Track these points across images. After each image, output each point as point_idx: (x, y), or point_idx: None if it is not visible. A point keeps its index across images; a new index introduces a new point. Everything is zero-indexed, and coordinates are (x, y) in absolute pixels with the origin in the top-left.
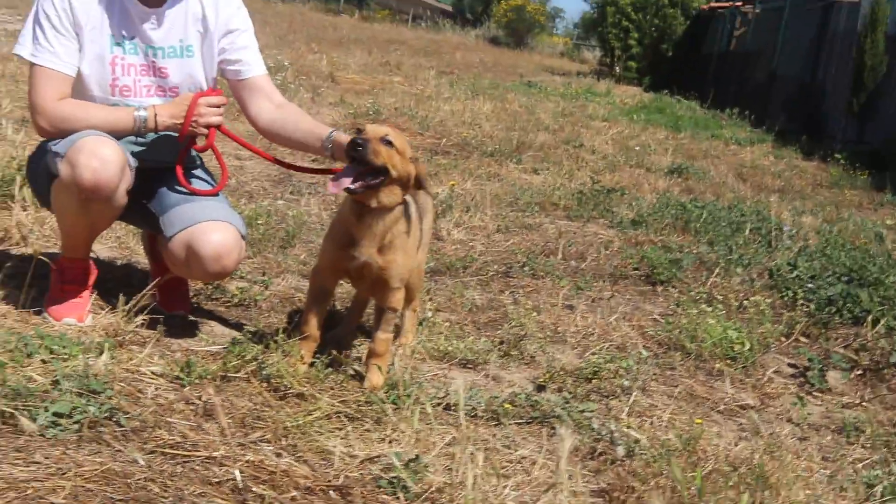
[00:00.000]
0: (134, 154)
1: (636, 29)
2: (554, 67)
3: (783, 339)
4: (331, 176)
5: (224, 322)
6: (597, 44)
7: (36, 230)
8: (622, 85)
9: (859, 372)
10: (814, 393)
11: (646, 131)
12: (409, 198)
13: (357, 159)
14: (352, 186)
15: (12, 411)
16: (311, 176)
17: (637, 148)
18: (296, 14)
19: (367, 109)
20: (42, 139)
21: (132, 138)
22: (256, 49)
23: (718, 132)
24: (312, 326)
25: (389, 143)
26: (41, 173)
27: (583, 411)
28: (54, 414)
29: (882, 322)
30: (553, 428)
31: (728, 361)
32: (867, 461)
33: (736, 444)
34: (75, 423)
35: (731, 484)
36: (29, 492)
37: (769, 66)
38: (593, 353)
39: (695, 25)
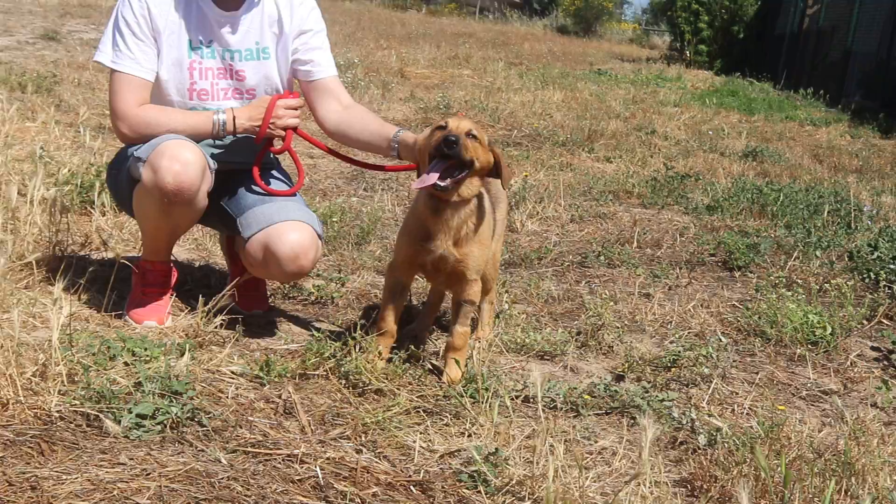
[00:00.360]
0: (213, 157)
1: (706, 12)
2: (623, 54)
3: (865, 322)
4: (413, 174)
5: (302, 320)
6: (666, 28)
7: (116, 234)
8: (693, 69)
9: None
10: None
11: (718, 115)
12: (482, 188)
13: (451, 156)
14: (442, 183)
15: (97, 413)
16: (384, 172)
17: (710, 132)
18: (363, 11)
19: (437, 104)
20: (121, 146)
21: (211, 141)
22: (328, 50)
23: (793, 113)
24: (390, 322)
25: (474, 137)
26: (122, 179)
27: (663, 400)
28: (137, 415)
29: None
30: (633, 418)
31: (809, 346)
32: None
33: (820, 431)
34: (158, 423)
35: (816, 471)
36: (115, 493)
37: (844, 43)
38: (672, 342)
39: (766, 5)
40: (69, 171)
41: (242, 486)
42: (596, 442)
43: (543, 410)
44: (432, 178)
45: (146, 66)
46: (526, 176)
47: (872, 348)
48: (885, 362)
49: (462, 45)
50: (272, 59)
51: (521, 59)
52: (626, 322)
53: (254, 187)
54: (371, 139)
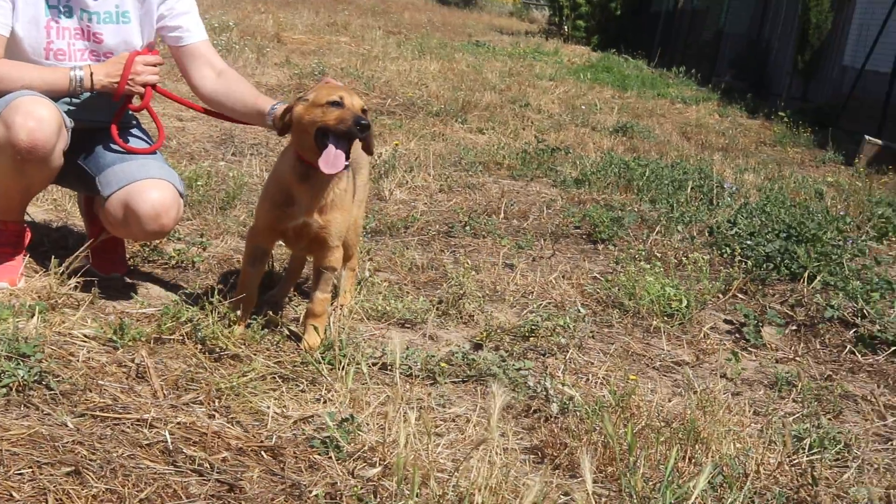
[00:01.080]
0: (69, 114)
1: None
2: (503, 27)
3: (720, 295)
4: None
5: (161, 284)
6: (546, 3)
7: None
8: (570, 44)
9: (794, 327)
10: (749, 349)
11: (592, 90)
12: None
13: (361, 139)
14: (348, 163)
15: None
16: (254, 136)
17: (583, 107)
18: None
19: (312, 70)
20: None
21: (68, 99)
22: (196, 14)
23: (665, 91)
24: (249, 287)
25: (365, 113)
26: None
27: (519, 369)
28: None
29: (818, 278)
30: (489, 386)
31: (665, 318)
32: (798, 415)
33: (669, 400)
34: (3, 386)
35: (662, 439)
36: None
37: (716, 24)
38: (531, 312)
39: None
40: None
41: (88, 451)
42: (450, 409)
43: (400, 378)
44: (341, 159)
45: (1, 21)
46: (397, 145)
47: (725, 321)
48: (737, 335)
49: (341, 12)
50: (133, 24)
51: (401, 29)
52: (487, 292)
53: (113, 146)
54: (246, 111)
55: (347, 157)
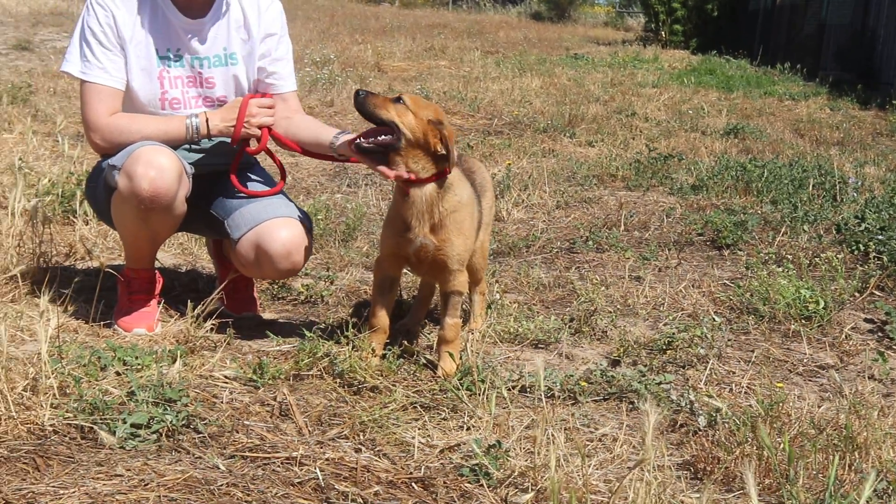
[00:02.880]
0: (190, 161)
1: None
2: (599, 38)
3: (857, 294)
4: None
5: (292, 321)
6: (640, 10)
7: (100, 243)
8: (669, 49)
9: None
10: (894, 347)
11: (697, 94)
12: (461, 177)
13: (358, 111)
14: (363, 142)
15: (91, 425)
16: (367, 167)
17: (690, 112)
18: (336, 7)
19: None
20: (98, 159)
21: (187, 146)
22: (291, 61)
23: (771, 89)
24: (381, 318)
25: (399, 100)
26: (100, 190)
27: (660, 383)
28: (132, 425)
29: None
30: (632, 403)
31: (803, 321)
32: None
33: (819, 406)
34: (154, 432)
35: (818, 447)
36: None
37: (818, 16)
38: (665, 324)
39: None
40: (49, 181)
41: (243, 492)
42: (596, 429)
43: (541, 399)
44: (350, 136)
45: (115, 75)
46: (509, 164)
47: (866, 320)
48: (880, 333)
49: (437, 36)
50: (240, 64)
51: (497, 48)
52: (618, 306)
53: (236, 193)
54: (315, 142)
55: (366, 142)
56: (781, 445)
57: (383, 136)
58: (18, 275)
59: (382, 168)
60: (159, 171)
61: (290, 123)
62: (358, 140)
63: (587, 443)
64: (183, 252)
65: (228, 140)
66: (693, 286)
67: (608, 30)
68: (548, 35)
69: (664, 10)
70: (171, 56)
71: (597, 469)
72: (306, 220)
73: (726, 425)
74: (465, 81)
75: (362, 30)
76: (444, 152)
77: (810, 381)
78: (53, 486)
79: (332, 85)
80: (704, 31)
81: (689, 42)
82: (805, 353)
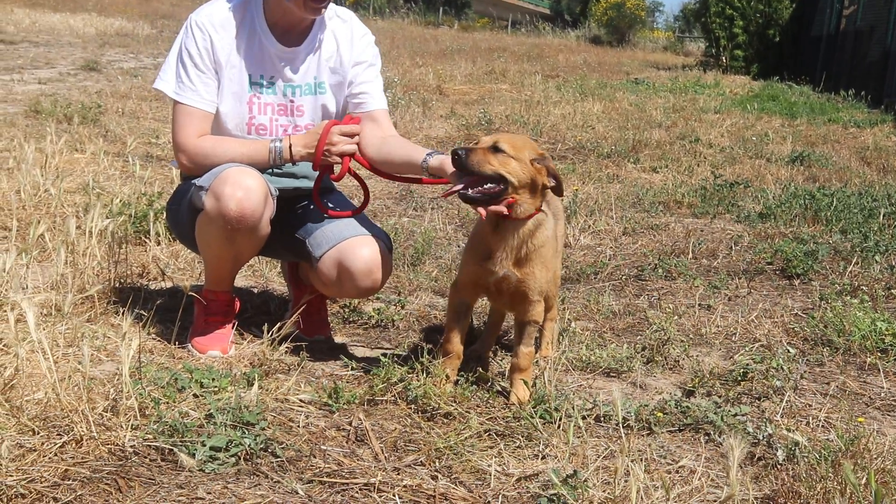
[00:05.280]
0: (274, 184)
1: (741, 16)
2: (658, 62)
3: None
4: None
5: (365, 345)
6: (700, 35)
7: (172, 264)
8: (730, 75)
9: None
10: None
11: (760, 120)
12: (548, 210)
13: (460, 170)
14: (470, 192)
15: (171, 447)
16: (432, 191)
17: (754, 138)
18: (396, 29)
19: (478, 120)
20: (178, 183)
21: (271, 169)
22: (381, 84)
23: (835, 116)
24: (455, 344)
25: (498, 150)
26: (183, 212)
27: (736, 415)
28: (211, 448)
29: None
30: (707, 434)
31: (879, 354)
32: None
33: None
34: (232, 455)
35: None
36: None
37: (883, 42)
38: (739, 354)
39: (801, 7)
40: (121, 201)
41: None
42: (674, 461)
43: (618, 429)
44: (457, 188)
45: (207, 98)
46: (576, 190)
47: None
48: None
49: (497, 59)
50: (328, 94)
51: (558, 72)
52: (690, 335)
53: (321, 214)
54: (403, 163)
55: (479, 187)
56: (865, 482)
57: (490, 185)
58: (95, 295)
59: (492, 208)
60: (246, 192)
61: (384, 144)
62: (465, 190)
63: (666, 474)
64: (254, 274)
65: (311, 165)
66: (765, 316)
67: (668, 54)
68: (607, 59)
69: (725, 36)
70: (264, 83)
71: (677, 502)
72: (387, 240)
73: (806, 460)
74: (526, 105)
75: (423, 52)
76: (553, 184)
77: (889, 415)
78: None
79: (396, 108)
80: (766, 56)
81: (749, 67)
82: (882, 387)
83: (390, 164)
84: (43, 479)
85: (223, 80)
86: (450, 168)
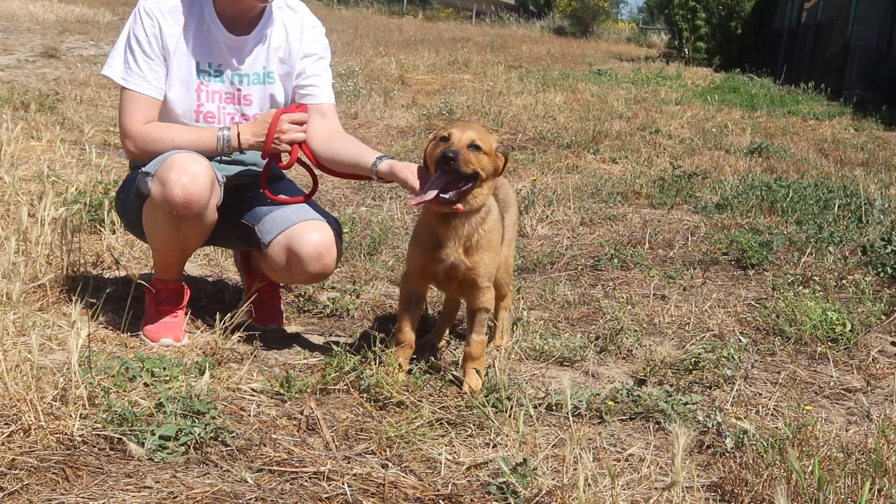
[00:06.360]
0: (222, 171)
1: (703, 9)
2: (622, 54)
3: (884, 317)
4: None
5: (319, 334)
6: (663, 27)
7: (127, 253)
8: (692, 66)
9: None
10: None
11: (721, 112)
12: (491, 195)
13: (450, 171)
14: (445, 196)
15: (120, 436)
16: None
17: (714, 130)
18: (360, 19)
19: (439, 110)
20: (129, 171)
21: (218, 157)
22: (329, 78)
23: (795, 108)
24: (407, 333)
25: (477, 148)
26: (131, 199)
27: (686, 404)
28: (161, 437)
29: None
30: (658, 423)
31: (830, 344)
32: None
33: (847, 430)
34: (182, 445)
35: (847, 472)
36: None
37: (843, 36)
38: (691, 344)
39: (763, 1)
40: (77, 189)
41: None
42: (623, 449)
43: (568, 418)
44: (431, 194)
45: (155, 84)
46: (535, 180)
47: (893, 343)
48: None
49: (461, 49)
50: (277, 83)
51: (521, 62)
52: (644, 325)
53: (267, 201)
54: (351, 163)
55: (453, 189)
56: (810, 469)
57: (463, 184)
58: (47, 283)
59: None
60: (192, 177)
61: (332, 141)
62: (445, 195)
63: (614, 462)
64: (209, 263)
65: (260, 153)
66: (719, 306)
67: (631, 46)
68: (571, 50)
69: (688, 27)
70: (212, 71)
71: (625, 489)
72: (336, 225)
73: (754, 447)
74: (488, 96)
75: (386, 42)
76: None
77: (837, 403)
78: (83, 497)
79: (357, 97)
80: (728, 48)
81: (712, 59)
82: (832, 376)
83: (337, 163)
84: None
85: (171, 66)
86: (401, 173)
